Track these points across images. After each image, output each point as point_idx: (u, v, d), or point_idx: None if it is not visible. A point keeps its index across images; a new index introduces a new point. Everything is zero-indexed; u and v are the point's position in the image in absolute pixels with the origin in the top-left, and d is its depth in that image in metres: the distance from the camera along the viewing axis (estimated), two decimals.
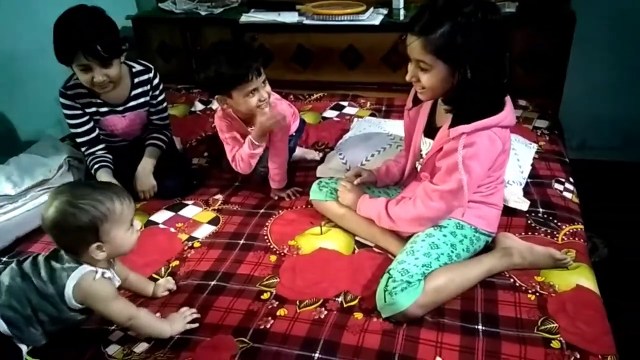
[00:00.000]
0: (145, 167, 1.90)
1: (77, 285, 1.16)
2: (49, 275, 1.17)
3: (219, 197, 1.89)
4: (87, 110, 1.85)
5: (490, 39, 1.23)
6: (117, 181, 1.76)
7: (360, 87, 2.70)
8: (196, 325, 1.30)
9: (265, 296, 1.40)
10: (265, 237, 1.65)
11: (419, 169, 1.54)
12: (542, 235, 1.58)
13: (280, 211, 1.79)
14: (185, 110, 2.66)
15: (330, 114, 2.51)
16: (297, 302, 1.37)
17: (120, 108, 1.89)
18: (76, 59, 1.64)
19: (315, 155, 2.14)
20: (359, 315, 1.32)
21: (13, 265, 1.22)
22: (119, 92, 1.86)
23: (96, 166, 1.87)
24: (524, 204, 1.66)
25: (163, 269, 1.55)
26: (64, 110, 1.83)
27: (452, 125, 1.30)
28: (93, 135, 1.89)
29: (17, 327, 1.16)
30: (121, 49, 1.74)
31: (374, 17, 2.60)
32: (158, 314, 1.35)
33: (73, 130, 1.88)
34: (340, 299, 1.38)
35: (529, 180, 1.82)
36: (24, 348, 1.19)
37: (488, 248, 1.49)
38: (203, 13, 2.82)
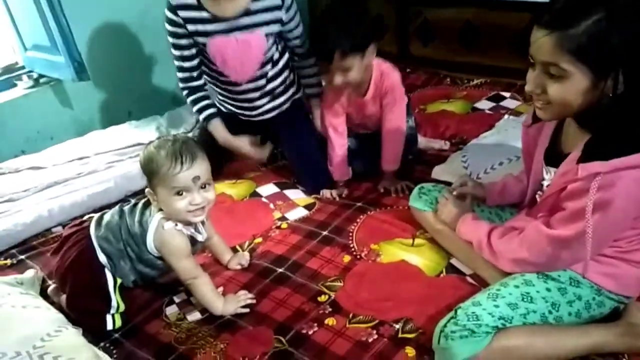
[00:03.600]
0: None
1: (156, 231, 1.23)
2: (140, 216, 1.26)
3: None
4: (190, 28, 1.58)
5: None
6: (229, 135, 1.75)
7: None
8: (247, 310, 1.28)
9: (322, 298, 1.30)
10: (350, 234, 1.53)
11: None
12: None
13: (378, 209, 1.63)
14: None
15: (484, 105, 2.18)
16: (350, 315, 1.24)
17: (231, 25, 1.57)
18: None
19: (442, 144, 1.90)
20: (410, 352, 1.13)
21: (118, 205, 1.35)
22: (235, 3, 1.54)
23: (206, 113, 1.72)
24: None
25: (247, 243, 1.56)
26: (166, 25, 1.61)
27: (583, 159, 0.95)
28: (194, 62, 1.67)
29: (111, 259, 1.28)
30: None
31: None
32: (221, 288, 1.38)
33: (173, 53, 1.67)
34: (398, 326, 1.19)
35: None
36: (110, 282, 1.29)
37: (612, 316, 1.12)
38: None
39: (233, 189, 1.84)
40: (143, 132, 2.14)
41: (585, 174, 0.93)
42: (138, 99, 2.49)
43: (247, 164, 1.98)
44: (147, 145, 1.20)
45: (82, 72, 2.00)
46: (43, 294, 1.41)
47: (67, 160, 1.97)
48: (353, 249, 1.46)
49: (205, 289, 1.27)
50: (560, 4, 0.91)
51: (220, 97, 1.85)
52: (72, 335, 1.14)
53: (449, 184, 1.53)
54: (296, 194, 1.79)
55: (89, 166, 1.93)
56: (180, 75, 1.72)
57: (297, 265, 1.43)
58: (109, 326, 1.27)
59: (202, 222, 1.29)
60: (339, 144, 1.74)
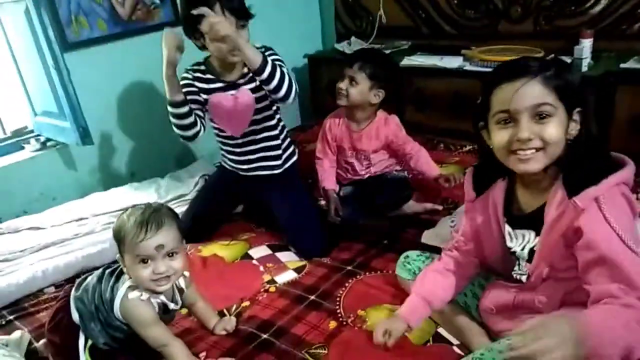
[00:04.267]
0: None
1: (122, 299, 1.24)
2: (113, 284, 1.28)
3: None
4: (198, 85, 1.83)
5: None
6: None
7: None
8: None
9: None
10: (337, 299, 1.52)
11: (518, 276, 1.18)
12: None
13: (367, 273, 1.63)
14: None
15: None
16: None
17: (229, 84, 1.83)
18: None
19: (434, 205, 1.98)
20: None
21: (103, 267, 1.36)
22: (234, 70, 1.83)
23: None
24: None
25: (234, 306, 1.55)
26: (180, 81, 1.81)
27: (571, 194, 0.98)
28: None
29: (82, 319, 1.28)
30: (250, 14, 1.72)
31: None
32: (204, 354, 1.36)
33: None
34: None
35: None
36: (82, 341, 1.29)
37: None
38: None
39: (226, 250, 1.86)
40: (142, 194, 2.19)
41: (585, 202, 0.95)
42: (141, 161, 2.57)
43: (243, 225, 2.02)
44: (122, 213, 1.23)
45: (87, 137, 2.08)
46: (31, 355, 1.41)
47: (65, 222, 2.01)
48: (340, 315, 1.45)
49: (178, 356, 1.25)
50: (529, 61, 1.03)
51: (223, 151, 2.03)
52: None
53: (438, 249, 1.53)
54: (288, 257, 1.80)
55: (86, 227, 1.97)
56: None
57: (282, 330, 1.42)
58: None
59: (181, 290, 1.31)
60: (328, 165, 2.02)
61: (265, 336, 1.40)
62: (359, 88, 1.83)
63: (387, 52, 2.85)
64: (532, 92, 0.99)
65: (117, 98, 2.41)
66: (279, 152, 1.97)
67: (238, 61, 1.76)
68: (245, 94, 1.83)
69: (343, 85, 1.84)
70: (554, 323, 0.80)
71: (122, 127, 2.46)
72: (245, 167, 1.98)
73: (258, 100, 1.84)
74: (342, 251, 1.78)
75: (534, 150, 1.00)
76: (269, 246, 1.87)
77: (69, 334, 1.27)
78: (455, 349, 1.30)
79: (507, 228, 1.15)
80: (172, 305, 1.28)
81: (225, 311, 1.54)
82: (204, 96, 1.85)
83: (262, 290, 1.62)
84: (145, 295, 1.23)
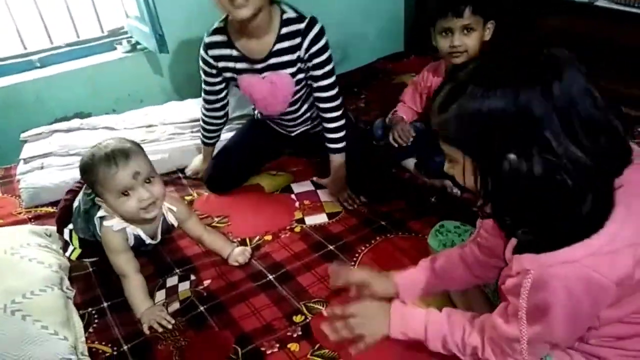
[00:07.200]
0: (336, 175, 1.65)
1: (101, 222, 1.29)
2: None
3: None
4: (220, 65, 1.58)
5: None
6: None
7: None
8: (161, 329, 1.22)
9: (297, 319, 1.22)
10: (356, 256, 1.41)
11: None
12: None
13: (400, 233, 1.48)
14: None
15: None
16: (316, 346, 1.14)
17: (259, 66, 1.53)
18: None
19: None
20: None
21: None
22: (261, 43, 1.50)
23: (204, 140, 1.82)
24: None
25: (257, 238, 1.52)
26: (200, 62, 1.64)
27: (518, 249, 0.80)
28: (219, 96, 1.70)
29: (76, 210, 1.38)
30: None
31: None
32: (208, 281, 1.37)
33: (203, 87, 1.71)
34: None
35: None
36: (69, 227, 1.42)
37: None
38: None
39: (268, 180, 1.81)
40: None
41: (517, 269, 0.77)
42: None
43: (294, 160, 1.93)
44: (83, 156, 1.22)
45: (163, 45, 2.09)
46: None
47: (137, 126, 2.10)
48: None
49: (132, 290, 1.27)
50: (442, 87, 0.79)
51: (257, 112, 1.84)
52: (53, 298, 1.21)
53: None
54: (326, 196, 1.70)
55: (153, 135, 2.04)
56: (203, 104, 1.77)
57: (288, 276, 1.36)
58: (67, 254, 1.43)
59: (171, 227, 1.34)
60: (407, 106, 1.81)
61: (270, 277, 1.36)
62: (476, 35, 1.50)
63: None
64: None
65: (197, 10, 2.35)
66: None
67: (253, 26, 1.43)
68: (283, 78, 1.55)
69: (457, 41, 1.49)
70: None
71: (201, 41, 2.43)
72: (283, 132, 1.82)
73: (298, 82, 1.58)
74: (385, 205, 1.62)
75: None
76: (313, 182, 1.78)
77: (64, 216, 1.40)
78: None
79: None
80: (148, 240, 1.31)
81: (247, 240, 1.51)
82: (230, 75, 1.61)
83: (287, 227, 1.56)
84: (118, 227, 1.25)
